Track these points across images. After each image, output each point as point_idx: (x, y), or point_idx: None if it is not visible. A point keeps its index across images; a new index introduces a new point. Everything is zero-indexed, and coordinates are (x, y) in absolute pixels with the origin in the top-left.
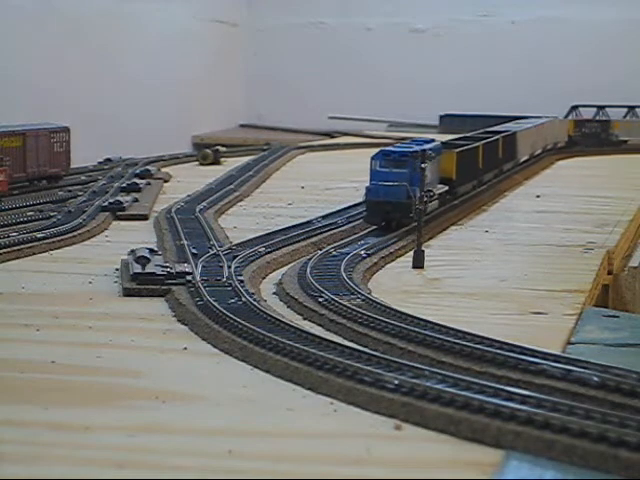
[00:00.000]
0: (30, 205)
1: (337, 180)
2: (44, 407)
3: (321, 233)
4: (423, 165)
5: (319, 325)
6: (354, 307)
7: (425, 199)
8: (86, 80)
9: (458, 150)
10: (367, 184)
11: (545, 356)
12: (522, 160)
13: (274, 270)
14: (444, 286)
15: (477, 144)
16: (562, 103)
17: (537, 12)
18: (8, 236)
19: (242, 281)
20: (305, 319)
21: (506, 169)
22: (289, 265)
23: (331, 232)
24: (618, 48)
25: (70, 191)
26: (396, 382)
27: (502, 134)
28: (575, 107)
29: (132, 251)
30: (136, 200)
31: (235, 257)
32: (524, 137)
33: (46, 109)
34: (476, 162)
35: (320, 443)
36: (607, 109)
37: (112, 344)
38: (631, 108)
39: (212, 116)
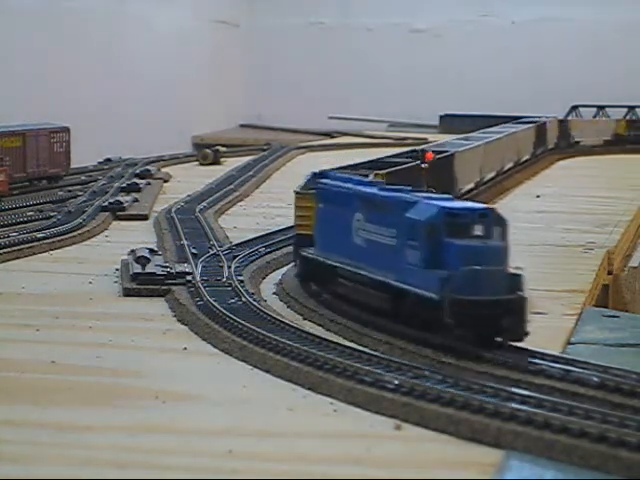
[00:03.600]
0: (30, 205)
1: None
2: (44, 407)
3: None
4: (423, 165)
5: (319, 325)
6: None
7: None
8: (86, 80)
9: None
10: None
11: (545, 356)
12: (465, 190)
13: (274, 270)
14: None
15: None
16: (562, 103)
17: (537, 12)
18: (8, 236)
19: (242, 281)
20: (305, 319)
21: None
22: (289, 265)
23: None
24: (618, 48)
25: (70, 191)
26: (396, 382)
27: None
28: (575, 107)
29: (132, 251)
30: (136, 200)
31: (235, 257)
32: (467, 159)
33: (46, 109)
34: None
35: (320, 443)
36: (607, 109)
37: (112, 344)
38: (631, 108)
39: (212, 116)
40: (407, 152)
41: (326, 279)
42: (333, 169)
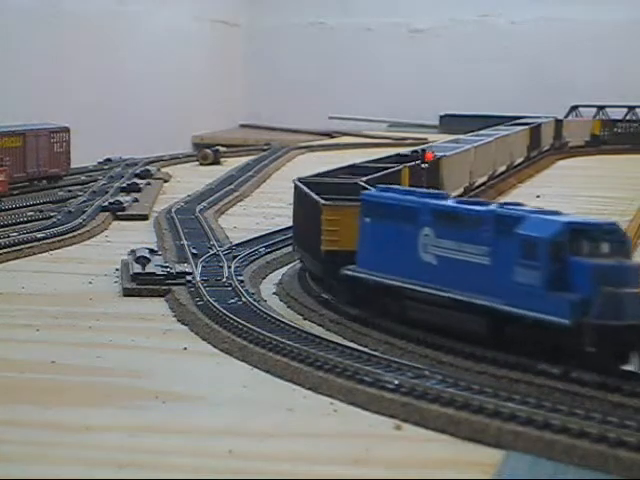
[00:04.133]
0: (30, 205)
1: None
2: (44, 407)
3: None
4: (423, 165)
5: (319, 325)
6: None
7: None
8: (86, 80)
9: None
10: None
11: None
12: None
13: (274, 270)
14: None
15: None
16: (562, 103)
17: (537, 12)
18: (8, 236)
19: (242, 281)
20: (305, 319)
21: None
22: (289, 265)
23: None
24: (618, 48)
25: (70, 191)
26: (396, 382)
27: (407, 162)
28: (575, 107)
29: (132, 251)
30: (136, 200)
31: (235, 257)
32: (455, 164)
33: (46, 109)
34: None
35: (320, 443)
36: (607, 109)
37: (112, 344)
38: (631, 108)
39: (212, 116)
40: (388, 157)
41: (386, 301)
42: (309, 176)
